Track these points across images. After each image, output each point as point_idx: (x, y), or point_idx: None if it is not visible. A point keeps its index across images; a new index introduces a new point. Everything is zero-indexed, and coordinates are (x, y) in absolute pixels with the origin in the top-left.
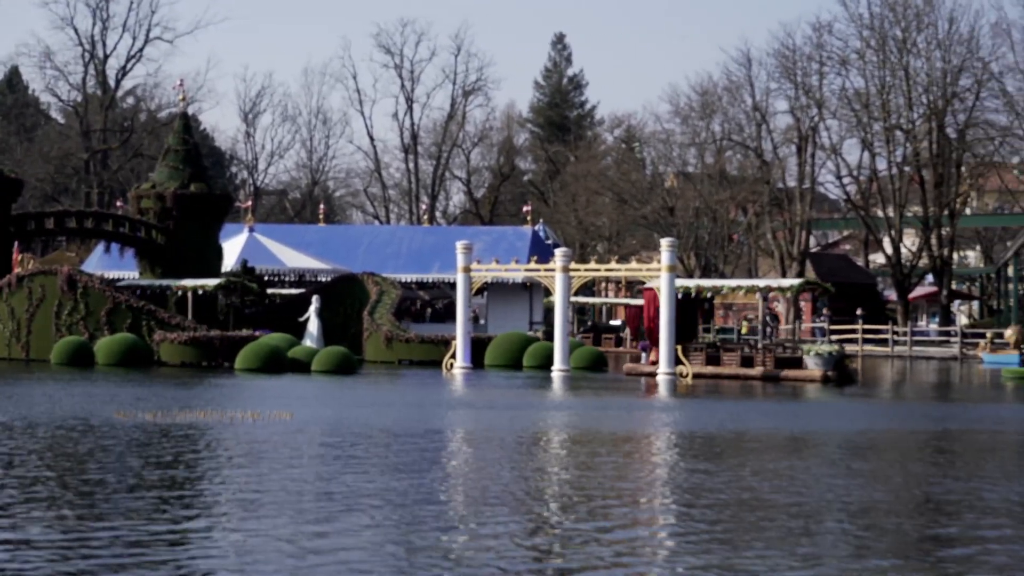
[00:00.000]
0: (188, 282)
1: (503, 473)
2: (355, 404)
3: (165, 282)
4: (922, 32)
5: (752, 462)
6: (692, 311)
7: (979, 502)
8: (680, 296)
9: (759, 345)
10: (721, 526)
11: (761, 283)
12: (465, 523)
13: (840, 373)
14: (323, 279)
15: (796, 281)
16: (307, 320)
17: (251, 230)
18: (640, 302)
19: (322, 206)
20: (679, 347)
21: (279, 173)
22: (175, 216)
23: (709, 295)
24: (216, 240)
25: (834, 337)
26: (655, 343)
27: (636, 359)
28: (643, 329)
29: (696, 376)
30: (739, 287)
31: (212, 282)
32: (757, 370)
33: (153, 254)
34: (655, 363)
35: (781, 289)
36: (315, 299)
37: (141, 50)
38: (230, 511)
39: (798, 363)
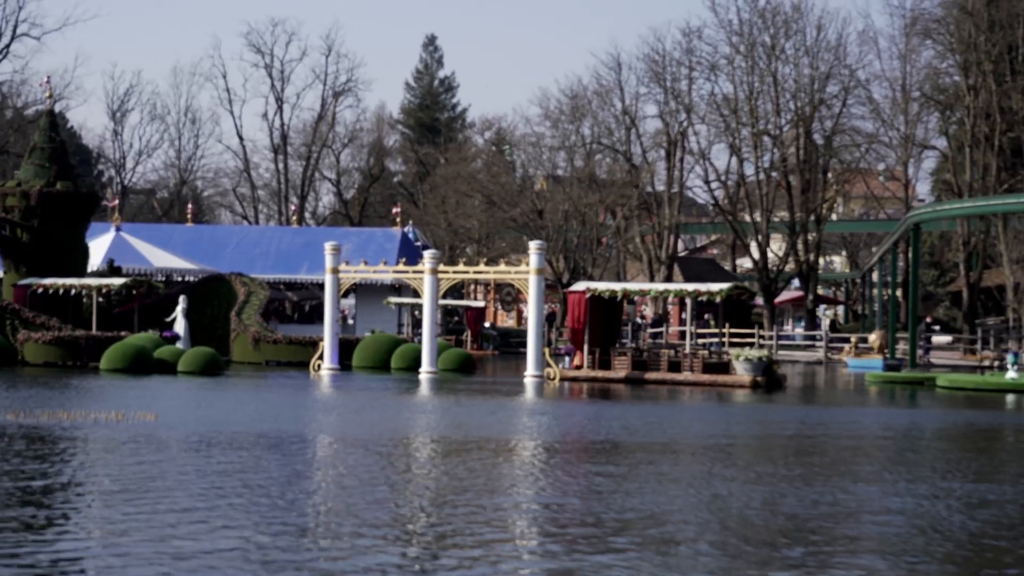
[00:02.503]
0: (92, 281)
1: (367, 478)
2: (221, 405)
3: (94, 280)
4: (790, 39)
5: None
6: (615, 315)
7: (776, 505)
8: (606, 299)
9: (686, 350)
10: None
11: (690, 287)
12: (326, 530)
13: (769, 379)
14: (191, 279)
15: (725, 285)
16: (174, 320)
17: (118, 229)
18: (480, 304)
19: (190, 206)
20: (547, 350)
21: (147, 172)
22: (40, 214)
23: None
24: (82, 239)
25: (700, 341)
26: (579, 346)
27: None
28: (484, 332)
29: (624, 381)
30: (667, 291)
31: (118, 281)
32: (684, 375)
33: (18, 253)
34: (579, 367)
35: (711, 293)
36: (182, 299)
37: (8, 46)
38: (86, 513)
39: (726, 368)
